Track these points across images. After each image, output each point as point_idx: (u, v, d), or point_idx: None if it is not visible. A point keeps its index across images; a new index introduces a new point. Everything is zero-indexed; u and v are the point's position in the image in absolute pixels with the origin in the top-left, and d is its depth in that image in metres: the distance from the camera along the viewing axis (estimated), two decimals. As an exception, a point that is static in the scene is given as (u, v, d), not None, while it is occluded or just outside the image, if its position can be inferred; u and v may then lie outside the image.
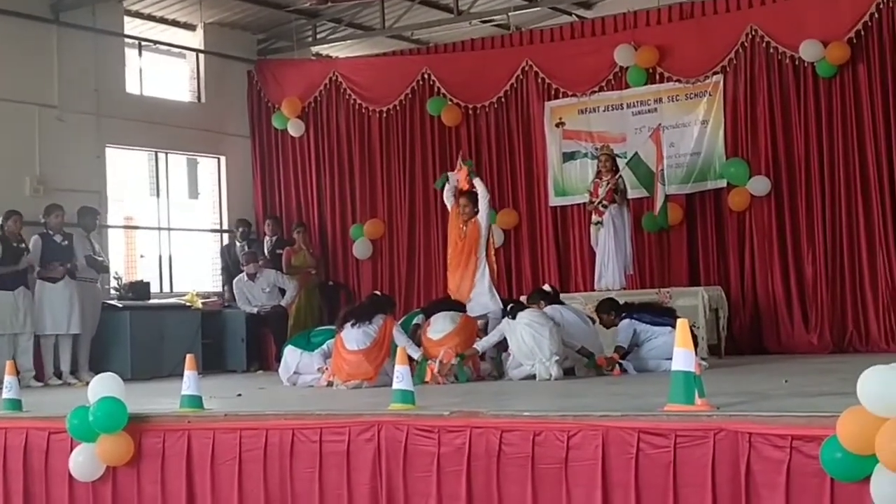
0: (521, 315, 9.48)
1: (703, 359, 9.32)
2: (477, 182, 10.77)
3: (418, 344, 9.75)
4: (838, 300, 12.17)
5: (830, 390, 6.85)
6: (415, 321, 10.20)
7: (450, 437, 6.01)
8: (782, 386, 7.41)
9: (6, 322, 11.57)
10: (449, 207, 11.04)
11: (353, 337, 9.64)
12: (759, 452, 5.16)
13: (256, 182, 15.64)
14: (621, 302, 10.57)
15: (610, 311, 10.41)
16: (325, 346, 10.15)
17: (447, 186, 11.00)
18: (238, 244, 14.56)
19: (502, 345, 9.74)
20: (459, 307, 10.22)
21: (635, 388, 7.74)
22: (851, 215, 12.16)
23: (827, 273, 12.22)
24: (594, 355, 9.63)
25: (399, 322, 10.13)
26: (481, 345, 9.75)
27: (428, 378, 9.27)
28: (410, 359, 8.01)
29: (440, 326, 9.82)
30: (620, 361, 9.69)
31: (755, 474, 5.17)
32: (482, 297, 10.47)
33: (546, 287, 10.77)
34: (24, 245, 11.79)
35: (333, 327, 10.29)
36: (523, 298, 10.99)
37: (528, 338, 9.26)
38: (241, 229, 14.67)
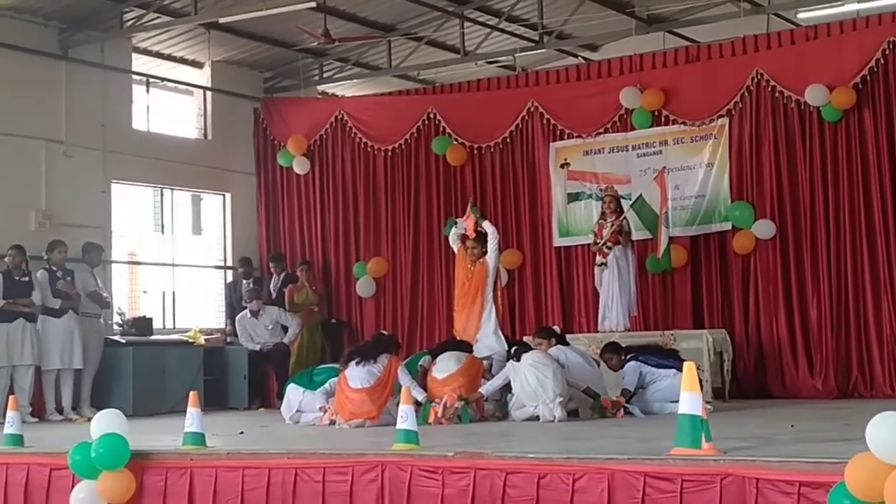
0: (525, 357, 9.45)
1: (707, 402, 9.27)
2: (486, 224, 10.82)
3: (424, 386, 9.71)
4: (843, 345, 12.13)
5: (837, 436, 6.82)
6: (420, 363, 10.16)
7: (454, 479, 5.97)
8: (789, 431, 7.37)
9: (3, 354, 11.54)
10: (455, 250, 11.07)
11: (358, 375, 9.62)
12: (767, 498, 5.12)
13: (261, 219, 15.65)
14: (624, 345, 10.56)
15: (615, 354, 10.38)
16: (327, 385, 10.12)
17: (454, 230, 11.03)
18: (244, 282, 14.54)
19: (507, 386, 9.70)
20: (466, 348, 10.19)
21: (641, 431, 7.70)
22: (857, 260, 12.14)
23: (832, 317, 12.19)
24: (599, 396, 9.60)
25: (405, 362, 10.10)
26: (486, 388, 9.69)
27: (431, 420, 9.22)
28: (415, 400, 7.99)
29: (445, 366, 9.79)
30: (626, 405, 9.66)
31: (762, 520, 5.13)
32: (488, 339, 10.48)
33: (555, 328, 10.74)
34: (27, 279, 11.77)
35: (336, 366, 10.28)
36: (528, 339, 10.97)
37: (531, 379, 9.23)
38: (242, 269, 14.67)
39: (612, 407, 9.55)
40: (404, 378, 9.57)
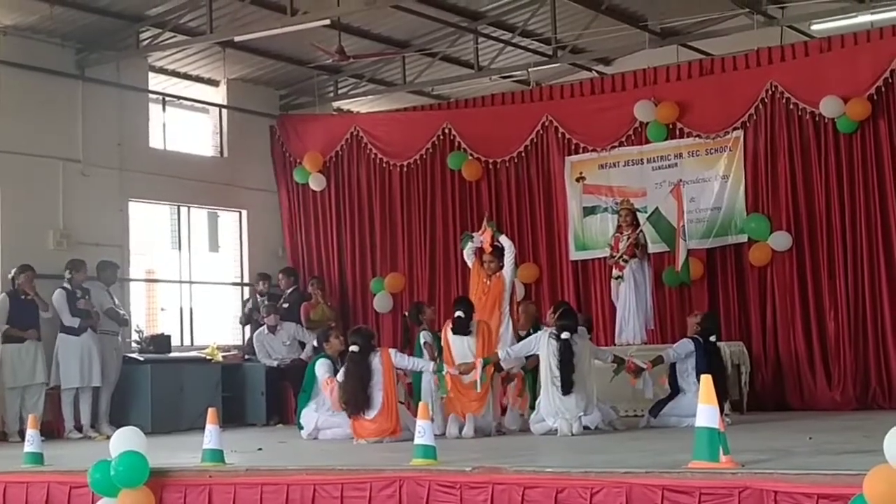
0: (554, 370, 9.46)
1: (725, 415, 9.25)
2: (503, 238, 10.85)
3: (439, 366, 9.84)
4: (861, 356, 12.08)
5: (856, 448, 6.80)
6: (423, 342, 10.52)
7: (472, 494, 5.98)
8: (807, 443, 7.36)
9: (17, 375, 11.64)
10: (470, 265, 11.08)
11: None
12: (785, 511, 5.12)
13: (286, 235, 15.68)
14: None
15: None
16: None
17: (469, 244, 11.05)
18: (259, 298, 14.57)
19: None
20: (469, 317, 10.08)
21: (659, 445, 7.70)
22: (873, 271, 12.10)
23: (849, 329, 12.14)
24: (624, 361, 9.90)
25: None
26: (509, 350, 9.90)
27: (449, 387, 9.56)
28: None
29: (462, 358, 9.86)
30: (642, 368, 9.90)
31: (781, 533, 5.12)
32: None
33: (578, 316, 10.34)
34: (30, 297, 11.79)
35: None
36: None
37: (556, 397, 9.30)
38: (261, 284, 14.68)
39: (634, 369, 9.86)
40: (402, 361, 9.83)
